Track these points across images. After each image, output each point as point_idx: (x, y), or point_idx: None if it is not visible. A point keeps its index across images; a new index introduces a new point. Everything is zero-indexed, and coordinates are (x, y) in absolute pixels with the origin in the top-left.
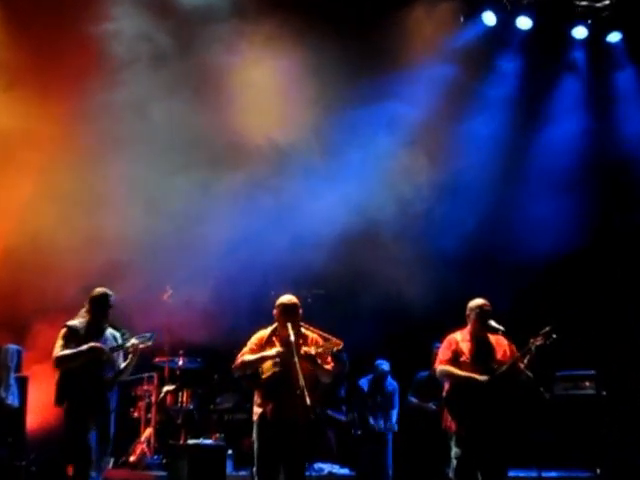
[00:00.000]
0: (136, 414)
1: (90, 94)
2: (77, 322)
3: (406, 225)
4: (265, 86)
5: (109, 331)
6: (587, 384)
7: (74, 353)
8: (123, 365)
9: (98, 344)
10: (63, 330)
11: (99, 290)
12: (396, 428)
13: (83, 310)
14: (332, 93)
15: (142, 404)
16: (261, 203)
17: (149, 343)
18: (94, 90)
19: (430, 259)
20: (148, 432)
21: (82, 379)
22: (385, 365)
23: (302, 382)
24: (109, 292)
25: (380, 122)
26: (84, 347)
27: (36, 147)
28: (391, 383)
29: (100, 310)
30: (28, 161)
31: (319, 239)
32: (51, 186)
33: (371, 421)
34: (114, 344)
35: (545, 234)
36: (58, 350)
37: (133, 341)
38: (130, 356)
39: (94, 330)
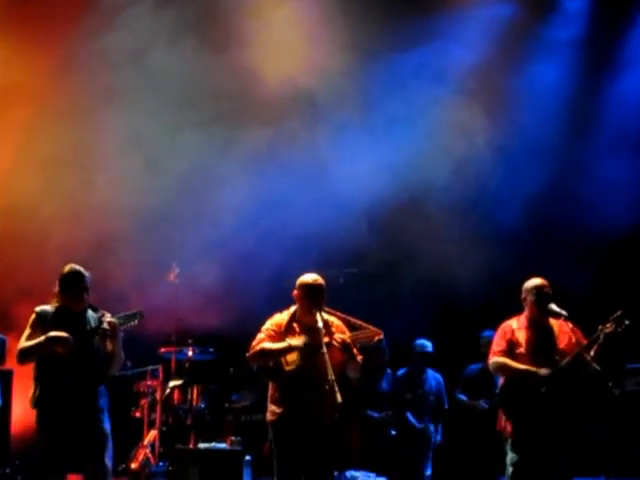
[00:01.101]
0: (138, 414)
1: (82, 40)
2: (48, 307)
3: (456, 193)
4: (289, 28)
5: (90, 314)
6: None
7: (32, 346)
8: (109, 352)
9: (59, 333)
10: (31, 317)
11: (69, 267)
12: (438, 440)
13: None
14: (368, 36)
15: (145, 402)
16: (284, 164)
17: (134, 323)
18: (87, 35)
19: (484, 233)
20: (152, 435)
21: (60, 378)
22: (427, 345)
23: (332, 376)
24: (81, 269)
25: (426, 70)
26: (42, 338)
27: (18, 102)
28: (434, 376)
29: (72, 292)
30: (8, 118)
31: (353, 208)
32: (35, 147)
33: (410, 418)
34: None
35: (619, 203)
36: (21, 341)
37: (109, 320)
38: (109, 341)
39: (66, 315)
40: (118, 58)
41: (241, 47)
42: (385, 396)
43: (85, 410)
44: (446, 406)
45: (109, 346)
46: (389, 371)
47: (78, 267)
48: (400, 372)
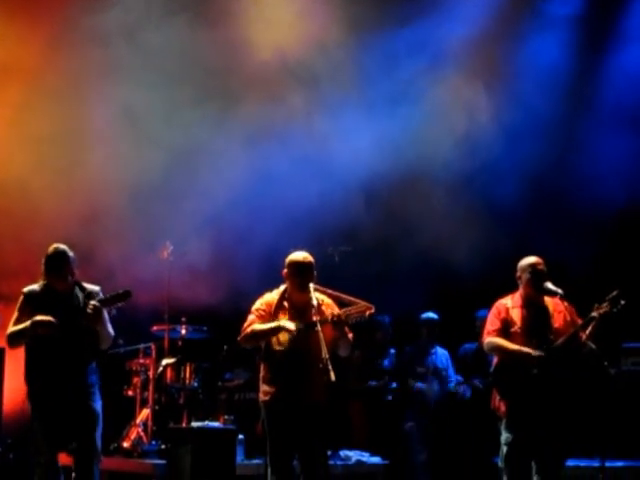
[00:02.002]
0: (130, 392)
1: (75, 16)
2: (36, 286)
3: (454, 169)
4: (283, 1)
5: (77, 292)
6: None
7: (18, 331)
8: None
9: (44, 317)
10: (20, 299)
11: (53, 247)
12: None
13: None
14: (364, 11)
15: (137, 381)
16: (279, 140)
17: (121, 303)
18: (79, 11)
19: (482, 209)
20: (144, 414)
21: (48, 358)
22: (434, 317)
23: (326, 354)
24: (65, 249)
25: (423, 45)
26: (27, 323)
27: (9, 79)
28: (443, 352)
29: (55, 272)
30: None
31: (350, 185)
32: (26, 124)
33: (419, 385)
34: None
35: (618, 179)
36: (10, 326)
37: (93, 304)
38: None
39: (53, 294)
40: (111, 34)
41: (235, 22)
42: (388, 372)
43: (74, 388)
44: (450, 385)
45: (96, 326)
46: (392, 350)
47: (63, 247)
48: (408, 348)
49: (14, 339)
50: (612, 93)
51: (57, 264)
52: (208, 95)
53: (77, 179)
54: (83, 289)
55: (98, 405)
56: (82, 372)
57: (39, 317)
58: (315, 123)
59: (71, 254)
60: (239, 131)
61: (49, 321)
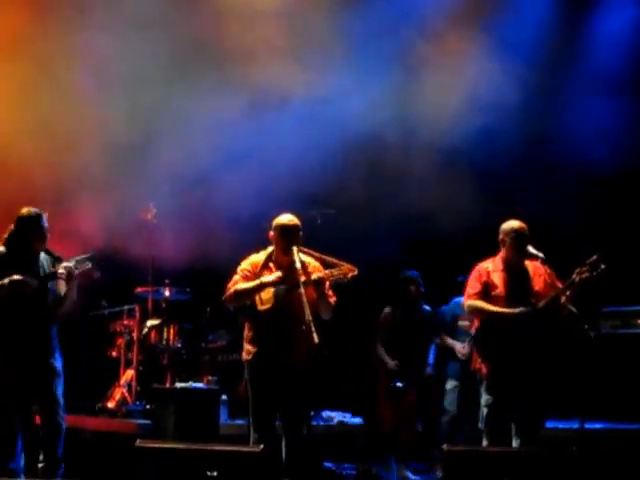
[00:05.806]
0: (114, 353)
1: None
2: (3, 247)
3: (440, 131)
4: None
5: (42, 257)
6: (639, 322)
7: None
8: (62, 293)
9: (21, 277)
10: None
11: (28, 210)
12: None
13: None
14: None
15: (122, 342)
16: (265, 103)
17: (88, 266)
18: None
19: (467, 171)
20: (129, 374)
21: (8, 319)
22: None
23: (309, 316)
24: (40, 211)
25: (413, 6)
26: (5, 280)
27: None
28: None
29: (30, 234)
30: None
31: (334, 147)
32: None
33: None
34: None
35: (604, 144)
36: None
37: (65, 265)
38: (64, 283)
39: (20, 257)
40: None
41: None
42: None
43: (37, 350)
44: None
45: (62, 288)
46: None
47: (35, 209)
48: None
49: None
50: (598, 55)
51: (34, 225)
52: (188, 53)
53: (54, 139)
54: (51, 254)
55: (59, 364)
56: (46, 335)
57: (17, 277)
58: (298, 81)
59: (45, 215)
60: (219, 89)
61: (25, 281)
